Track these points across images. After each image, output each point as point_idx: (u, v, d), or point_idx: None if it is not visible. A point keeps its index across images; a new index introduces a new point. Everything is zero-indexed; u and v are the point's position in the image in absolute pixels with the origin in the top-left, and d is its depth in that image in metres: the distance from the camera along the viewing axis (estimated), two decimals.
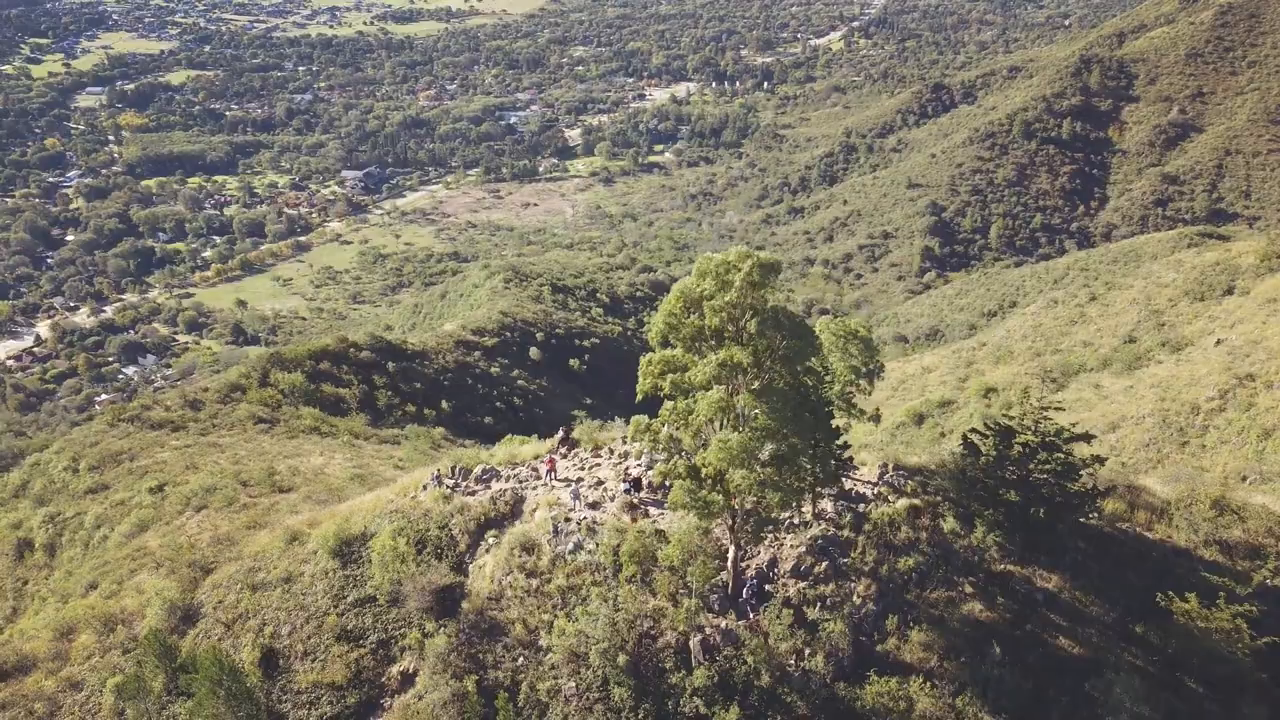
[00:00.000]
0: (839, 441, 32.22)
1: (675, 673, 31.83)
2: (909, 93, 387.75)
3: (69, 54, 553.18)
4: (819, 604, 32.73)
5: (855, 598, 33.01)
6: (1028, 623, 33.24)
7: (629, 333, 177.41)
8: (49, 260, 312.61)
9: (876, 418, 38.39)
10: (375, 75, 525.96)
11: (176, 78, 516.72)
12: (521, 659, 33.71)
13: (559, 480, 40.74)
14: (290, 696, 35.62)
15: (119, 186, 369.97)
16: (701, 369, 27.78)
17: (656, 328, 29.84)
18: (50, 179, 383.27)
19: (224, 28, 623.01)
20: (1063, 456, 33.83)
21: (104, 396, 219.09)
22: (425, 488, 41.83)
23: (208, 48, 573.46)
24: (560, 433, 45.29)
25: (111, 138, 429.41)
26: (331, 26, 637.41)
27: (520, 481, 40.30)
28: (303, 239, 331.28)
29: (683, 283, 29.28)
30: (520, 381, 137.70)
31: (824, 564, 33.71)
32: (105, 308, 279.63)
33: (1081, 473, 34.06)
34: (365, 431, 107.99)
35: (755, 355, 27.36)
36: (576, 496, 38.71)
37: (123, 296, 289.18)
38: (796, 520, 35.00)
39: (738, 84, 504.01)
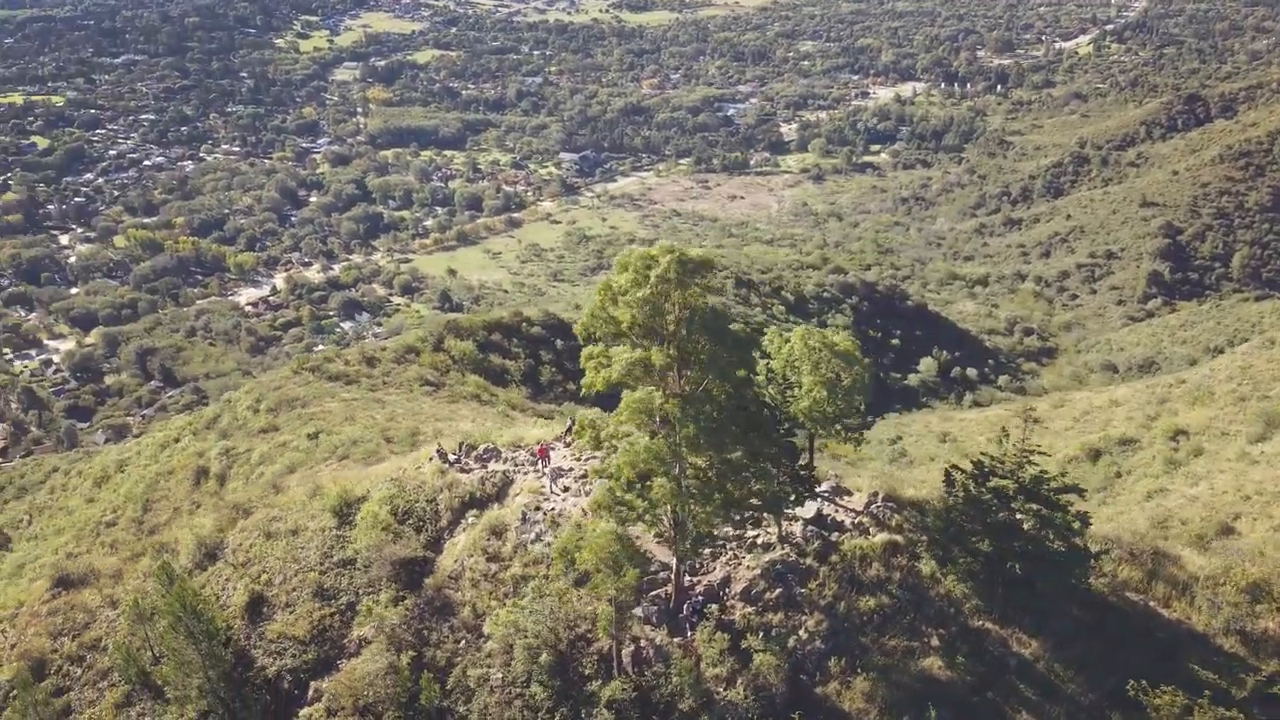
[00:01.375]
0: (801, 462, 30.08)
1: (594, 680, 30.86)
2: (1158, 103, 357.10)
3: (333, 31, 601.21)
4: (762, 632, 30.78)
5: (803, 632, 30.67)
6: (990, 689, 29.64)
7: None
8: (293, 218, 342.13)
9: (858, 439, 35.32)
10: (603, 62, 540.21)
11: (423, 56, 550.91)
12: (464, 642, 33.76)
13: (551, 469, 40.32)
14: (263, 644, 37.56)
15: (360, 155, 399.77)
16: (615, 368, 26.76)
17: (581, 321, 29.02)
18: (304, 144, 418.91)
19: (471, 11, 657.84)
20: (1038, 508, 29.78)
21: (320, 347, 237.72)
22: (431, 460, 42.68)
23: (454, 29, 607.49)
24: (570, 422, 44.61)
25: (359, 109, 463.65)
26: (569, 13, 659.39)
27: (516, 465, 40.44)
28: (516, 215, 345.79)
29: (607, 276, 28.33)
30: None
31: (777, 591, 31.73)
32: (334, 266, 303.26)
33: (1063, 526, 29.83)
34: (523, 404, 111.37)
35: (677, 358, 25.97)
36: (556, 487, 38.17)
37: (350, 257, 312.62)
38: (761, 540, 33.09)
39: (968, 86, 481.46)
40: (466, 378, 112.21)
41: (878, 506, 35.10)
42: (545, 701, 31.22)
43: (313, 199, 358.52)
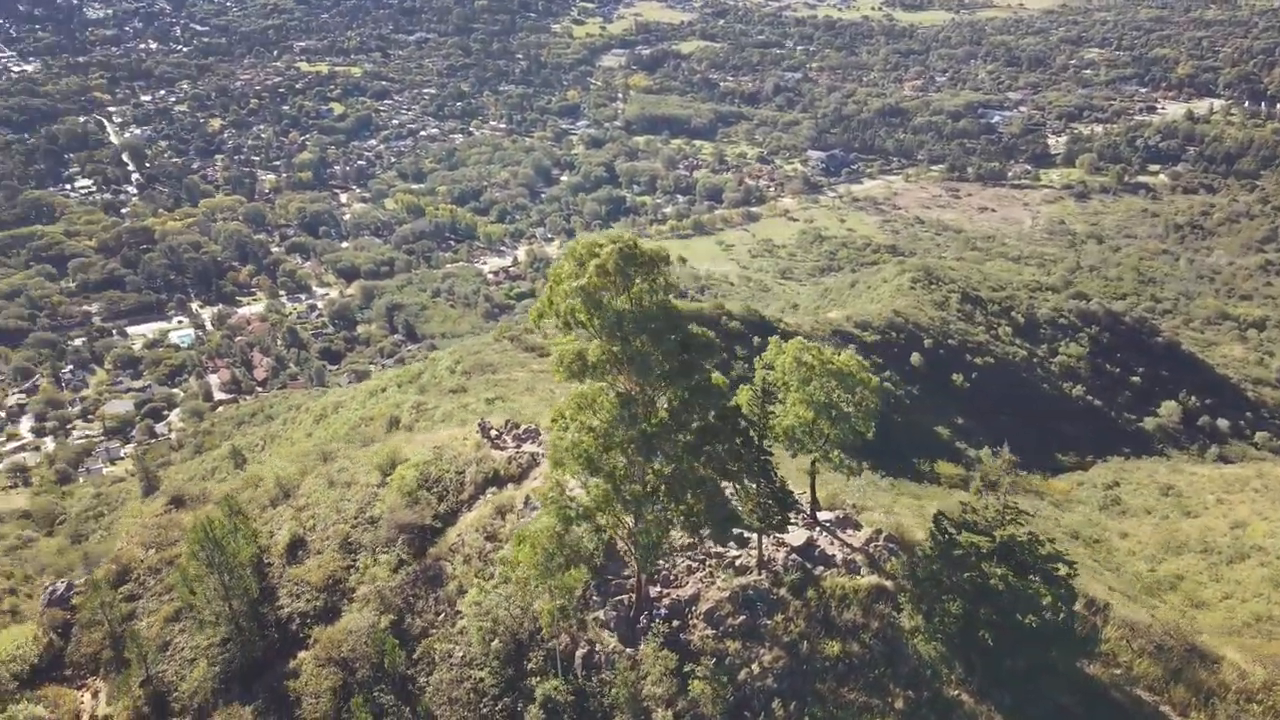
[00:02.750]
0: (775, 485, 27.51)
1: (537, 675, 29.76)
2: None
3: (607, 18, 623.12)
4: (715, 659, 28.38)
5: (758, 665, 27.94)
6: None
7: (1035, 359, 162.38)
8: (543, 195, 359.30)
9: (853, 468, 31.53)
10: (867, 60, 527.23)
11: (687, 47, 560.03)
12: (443, 615, 33.72)
13: None
14: (288, 584, 39.44)
15: (613, 140, 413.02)
16: (552, 359, 25.55)
17: (534, 308, 27.95)
18: (564, 125, 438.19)
19: (741, 4, 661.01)
20: (1006, 572, 25.25)
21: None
22: (475, 433, 43.10)
23: (721, 21, 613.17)
24: None
25: (620, 95, 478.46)
26: (840, 9, 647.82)
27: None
28: (754, 209, 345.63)
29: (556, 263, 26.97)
30: (887, 384, 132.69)
31: (741, 618, 29.24)
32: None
33: (1033, 597, 25.04)
34: None
35: (619, 355, 24.31)
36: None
37: (588, 235, 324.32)
38: (740, 561, 30.62)
39: (1277, 106, 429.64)
40: None
41: (877, 546, 32.00)
42: (492, 688, 31.13)
43: (564, 178, 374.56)
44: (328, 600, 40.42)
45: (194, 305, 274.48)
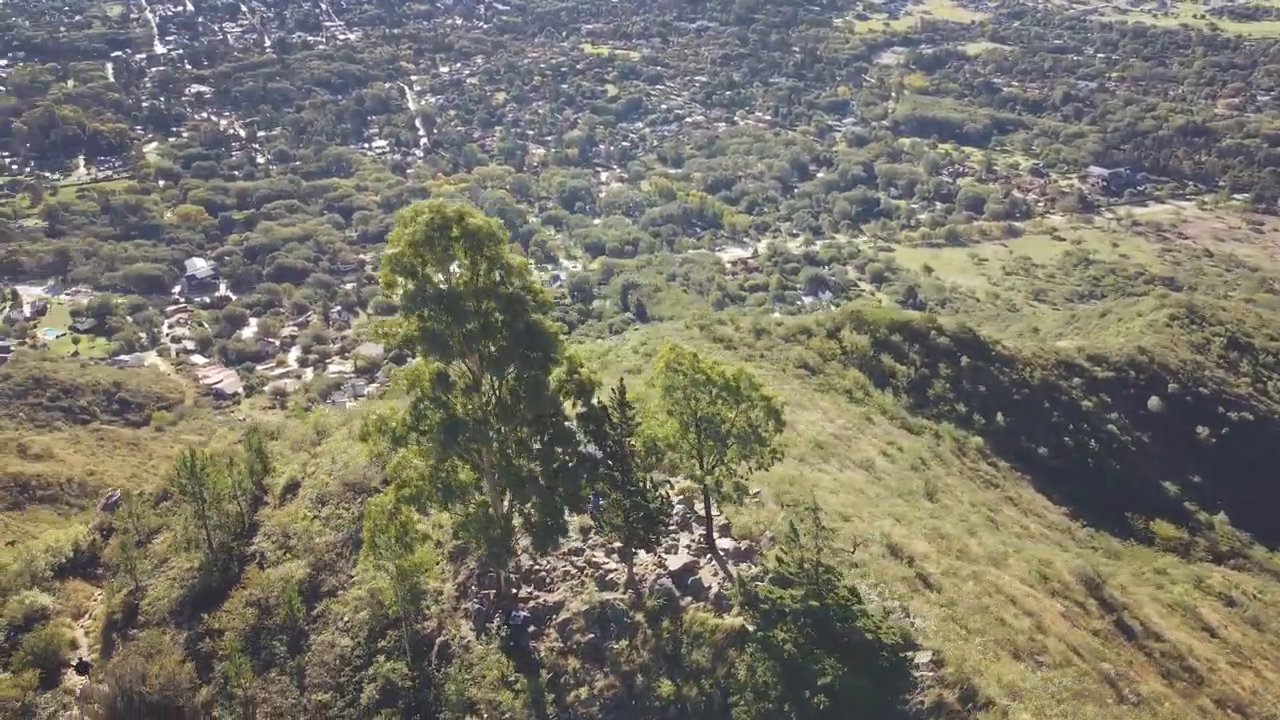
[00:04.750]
0: (640, 499, 24.28)
1: (388, 655, 28.39)
2: None
3: (892, 15, 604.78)
4: (552, 674, 25.59)
5: (588, 689, 24.80)
6: None
7: None
8: (795, 190, 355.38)
9: (733, 496, 26.69)
10: (1177, 73, 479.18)
11: (974, 48, 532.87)
12: (354, 577, 33.16)
13: None
14: (266, 524, 40.72)
15: (877, 139, 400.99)
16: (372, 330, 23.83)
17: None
18: (829, 121, 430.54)
19: (1041, 5, 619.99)
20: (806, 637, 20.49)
21: (775, 315, 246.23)
22: None
23: (1016, 24, 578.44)
24: None
25: (892, 94, 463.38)
26: (1155, 16, 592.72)
27: None
28: (1017, 224, 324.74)
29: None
30: (1111, 426, 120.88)
31: (590, 636, 26.20)
32: (816, 242, 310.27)
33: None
34: (895, 413, 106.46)
35: (426, 329, 22.17)
36: None
37: (835, 235, 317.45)
38: (611, 576, 27.45)
39: None
40: (846, 371, 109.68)
41: (761, 584, 27.99)
42: (354, 658, 30.90)
43: (819, 174, 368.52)
44: (283, 544, 42.50)
45: None
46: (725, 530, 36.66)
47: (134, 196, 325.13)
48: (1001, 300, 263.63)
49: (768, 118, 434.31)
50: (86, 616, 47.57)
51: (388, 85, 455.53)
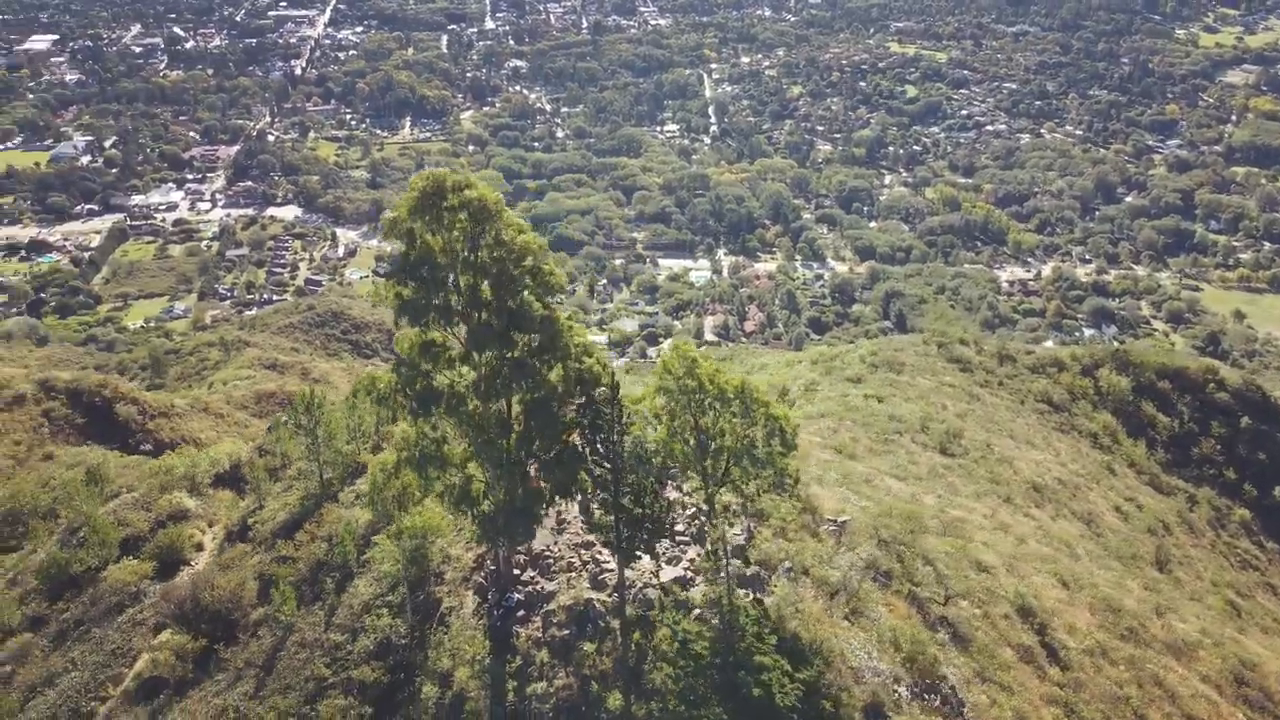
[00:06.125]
0: (630, 502, 21.69)
1: (397, 612, 27.90)
2: None
3: (1249, 28, 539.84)
4: (523, 662, 23.62)
5: (550, 684, 22.62)
6: None
7: None
8: (1095, 212, 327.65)
9: (731, 519, 22.18)
10: None
11: None
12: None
13: None
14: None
15: (1204, 166, 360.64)
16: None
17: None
18: (1149, 142, 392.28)
19: None
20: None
21: (1049, 343, 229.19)
22: None
23: None
24: None
25: (1233, 117, 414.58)
26: None
27: None
28: None
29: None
30: None
31: (567, 632, 23.84)
32: (1110, 271, 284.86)
33: None
34: (1146, 467, 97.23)
35: (401, 295, 20.68)
36: None
37: (1134, 267, 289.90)
38: (605, 576, 24.87)
39: None
40: (1097, 414, 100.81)
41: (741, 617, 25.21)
42: (373, 606, 31.57)
43: (1127, 199, 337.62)
44: (365, 495, 45.21)
45: (719, 252, 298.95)
46: (741, 551, 34.94)
47: (445, 158, 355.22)
48: None
49: (1078, 132, 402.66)
50: (220, 525, 53.50)
51: (688, 71, 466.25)
